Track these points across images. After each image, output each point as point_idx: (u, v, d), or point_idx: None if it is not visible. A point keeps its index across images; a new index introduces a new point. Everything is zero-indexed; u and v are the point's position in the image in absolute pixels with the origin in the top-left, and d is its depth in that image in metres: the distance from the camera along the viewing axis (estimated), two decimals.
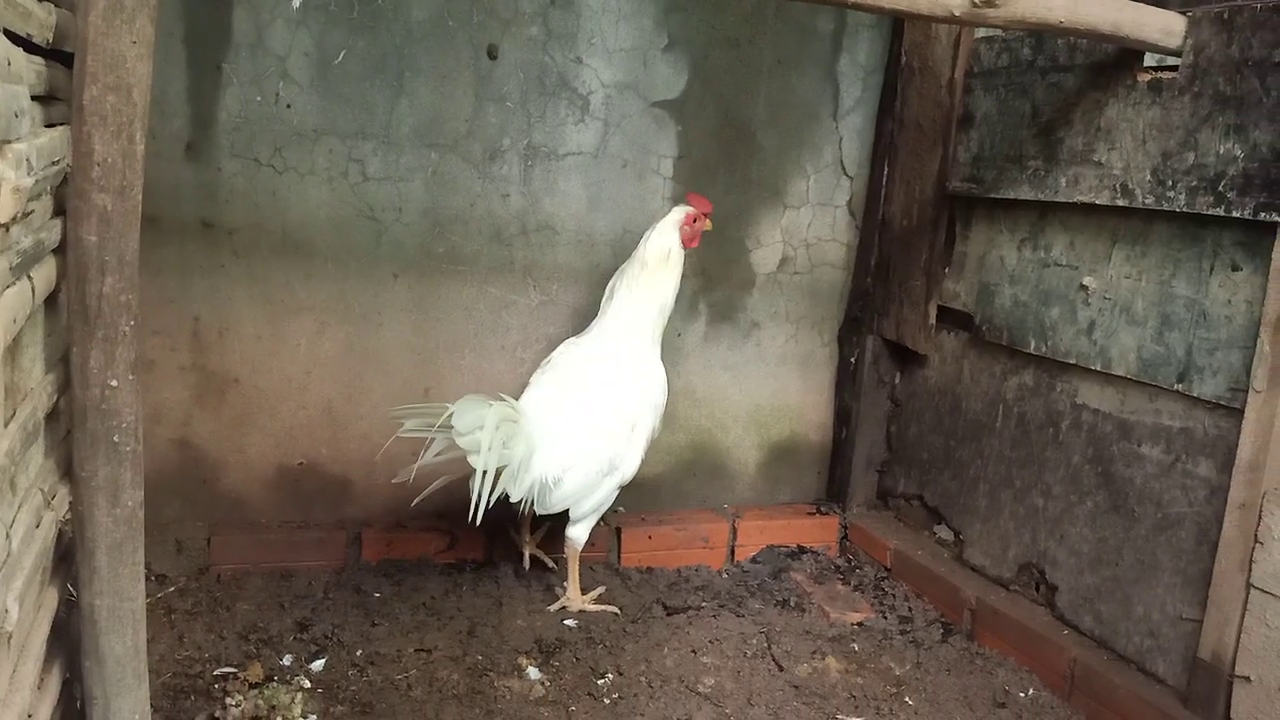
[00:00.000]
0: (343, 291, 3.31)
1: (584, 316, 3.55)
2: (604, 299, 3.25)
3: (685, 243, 3.19)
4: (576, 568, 3.22)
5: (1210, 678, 2.53)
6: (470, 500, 2.75)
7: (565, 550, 3.22)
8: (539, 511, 3.06)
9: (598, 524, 3.24)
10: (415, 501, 2.92)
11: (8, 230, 1.39)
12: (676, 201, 3.61)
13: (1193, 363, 2.61)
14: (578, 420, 3.03)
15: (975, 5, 2.29)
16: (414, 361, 3.44)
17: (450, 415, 2.65)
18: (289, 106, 3.13)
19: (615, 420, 3.10)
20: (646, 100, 3.53)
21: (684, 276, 3.66)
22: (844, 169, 3.83)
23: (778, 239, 3.81)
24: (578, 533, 3.15)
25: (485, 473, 2.71)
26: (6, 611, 1.38)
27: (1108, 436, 2.90)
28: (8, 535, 1.43)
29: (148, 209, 1.74)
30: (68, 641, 1.93)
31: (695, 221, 3.20)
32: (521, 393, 3.13)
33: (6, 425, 1.49)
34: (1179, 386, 2.65)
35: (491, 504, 2.76)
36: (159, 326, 3.12)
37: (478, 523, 2.72)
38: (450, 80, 3.28)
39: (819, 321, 3.96)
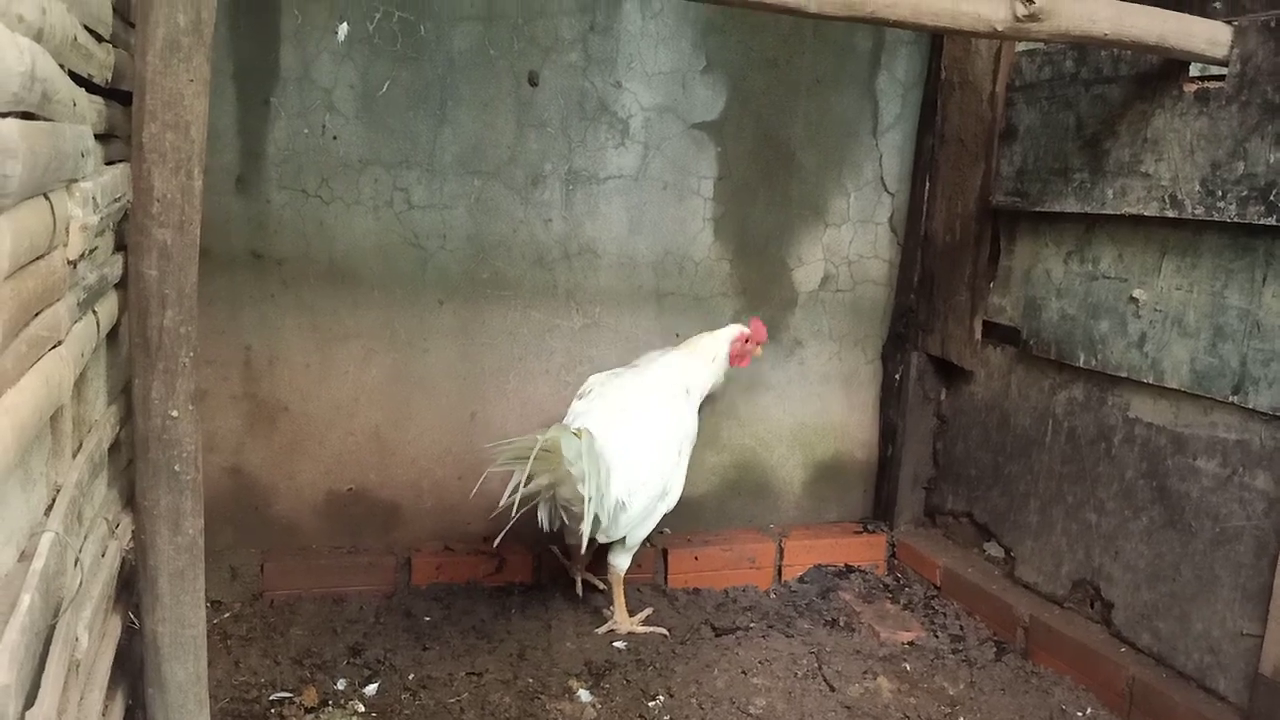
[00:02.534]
0: (389, 319, 3.35)
1: (627, 339, 3.57)
2: (683, 345, 3.32)
3: (732, 359, 3.29)
4: (621, 592, 3.22)
5: (1273, 694, 2.48)
6: (528, 524, 2.82)
7: (608, 576, 3.23)
8: (601, 539, 3.04)
9: (643, 545, 3.24)
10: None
11: (75, 267, 1.43)
12: (717, 222, 3.64)
13: (1248, 374, 2.57)
14: (636, 445, 3.03)
15: (1018, 19, 2.29)
16: (460, 386, 3.47)
17: (554, 446, 2.67)
18: (335, 138, 3.19)
19: (666, 445, 3.12)
20: (686, 122, 3.55)
21: (724, 296, 3.70)
22: (885, 186, 3.82)
23: (819, 257, 3.81)
24: (621, 561, 3.16)
25: (591, 498, 2.74)
26: (78, 640, 1.41)
27: (1162, 450, 2.86)
28: (77, 564, 1.46)
29: (199, 241, 1.77)
30: (130, 668, 1.96)
31: (747, 343, 3.30)
32: (566, 419, 3.15)
33: (75, 456, 1.52)
34: (1234, 398, 2.61)
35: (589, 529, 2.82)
36: (211, 356, 3.18)
37: (584, 550, 2.90)
38: (492, 108, 3.32)
39: (862, 339, 3.95)
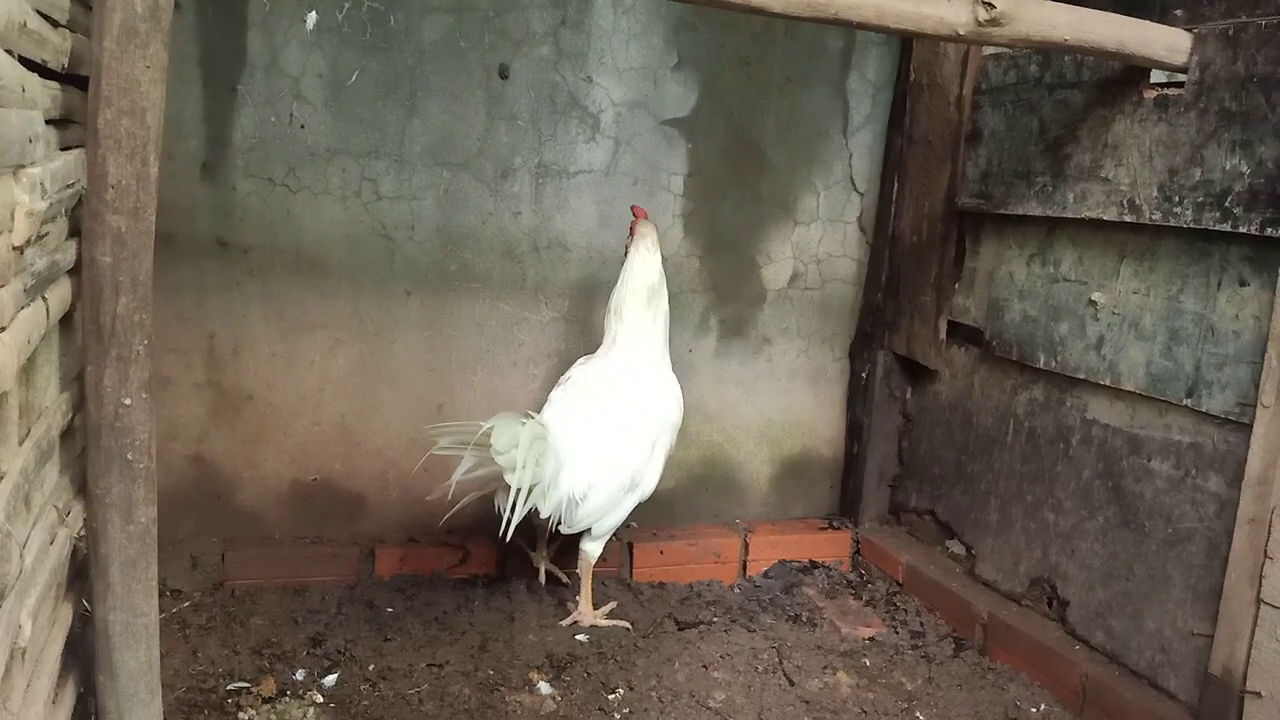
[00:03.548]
0: (356, 309, 3.35)
1: (596, 332, 3.56)
2: (608, 317, 3.26)
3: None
4: (589, 582, 3.23)
5: (1221, 693, 2.52)
6: (496, 516, 2.83)
7: (578, 565, 3.23)
8: (564, 530, 3.07)
9: (610, 539, 3.25)
10: (443, 520, 2.94)
11: (22, 253, 1.42)
12: (686, 218, 3.66)
13: (1201, 378, 2.61)
14: (601, 437, 3.05)
15: (980, 24, 2.31)
16: (427, 378, 3.47)
17: (488, 433, 2.68)
18: (303, 127, 3.18)
19: (637, 437, 3.13)
20: (657, 118, 3.56)
21: (694, 292, 3.71)
22: (854, 185, 3.85)
23: (788, 255, 3.83)
24: (592, 548, 3.17)
25: (519, 490, 2.75)
26: (21, 627, 1.41)
27: (1118, 451, 2.90)
28: (21, 553, 1.46)
29: (164, 228, 1.77)
30: (82, 656, 1.95)
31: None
32: (540, 409, 3.16)
33: (21, 443, 1.52)
34: (1188, 401, 2.65)
35: (515, 521, 2.80)
36: (175, 344, 3.17)
37: (508, 539, 2.79)
38: (462, 100, 3.32)
39: (830, 337, 3.97)
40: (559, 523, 3.02)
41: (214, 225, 3.16)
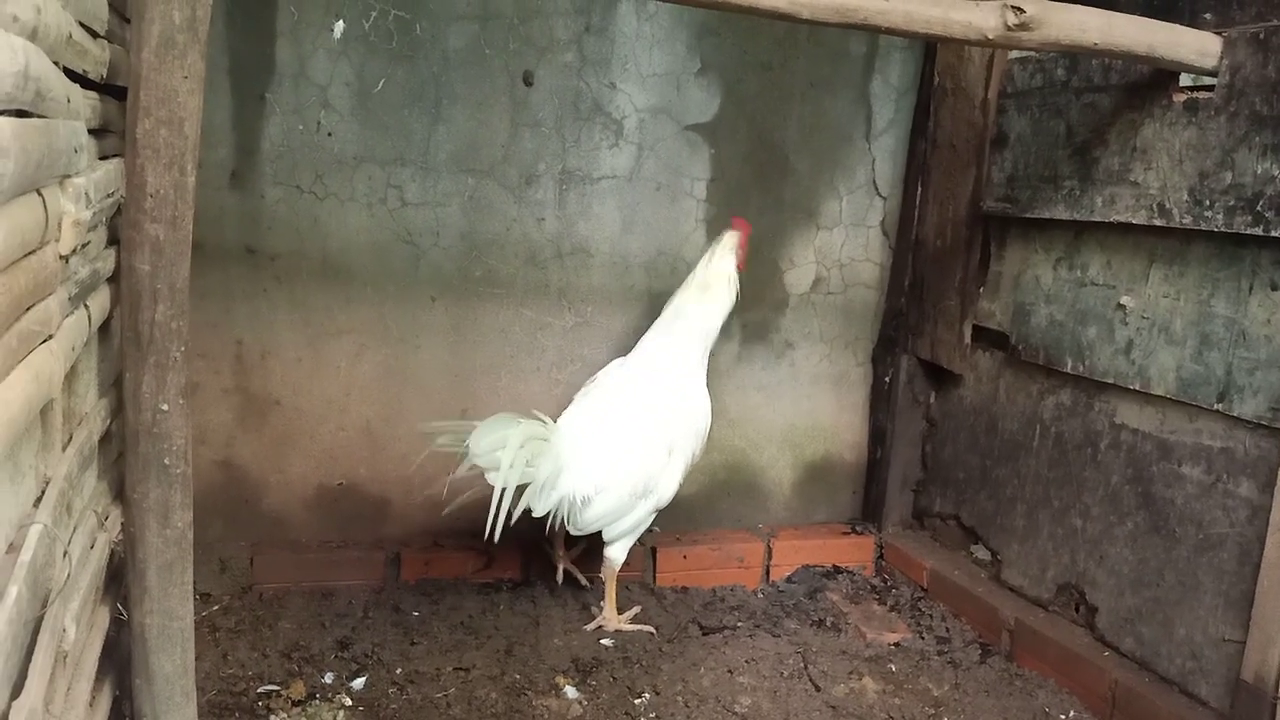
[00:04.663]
0: (381, 315, 3.36)
1: (618, 338, 3.58)
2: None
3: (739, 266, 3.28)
4: (614, 587, 3.23)
5: (1253, 700, 2.50)
6: (519, 520, 2.85)
7: (602, 570, 3.24)
8: (572, 531, 3.09)
9: (633, 544, 3.26)
10: (445, 511, 2.97)
11: (67, 261, 1.44)
12: (710, 223, 3.65)
13: (1233, 382, 2.59)
14: (613, 442, 3.06)
15: (1009, 28, 2.30)
16: (451, 383, 3.49)
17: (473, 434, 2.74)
18: (330, 135, 3.20)
19: (652, 443, 3.13)
20: (680, 124, 3.56)
21: None
22: (877, 189, 3.84)
23: (811, 259, 3.83)
24: (615, 553, 3.17)
25: (505, 490, 2.78)
26: (65, 631, 1.42)
27: (1147, 456, 2.88)
28: (66, 556, 1.47)
29: (193, 235, 1.78)
30: (118, 660, 1.97)
31: (742, 247, 3.29)
32: (562, 411, 3.17)
33: (64, 449, 1.54)
34: (1219, 406, 2.63)
35: (513, 520, 2.83)
36: (203, 350, 3.19)
37: (494, 539, 2.77)
38: (486, 107, 3.33)
39: (853, 341, 3.96)
40: (564, 523, 3.04)
41: (242, 232, 3.19)
